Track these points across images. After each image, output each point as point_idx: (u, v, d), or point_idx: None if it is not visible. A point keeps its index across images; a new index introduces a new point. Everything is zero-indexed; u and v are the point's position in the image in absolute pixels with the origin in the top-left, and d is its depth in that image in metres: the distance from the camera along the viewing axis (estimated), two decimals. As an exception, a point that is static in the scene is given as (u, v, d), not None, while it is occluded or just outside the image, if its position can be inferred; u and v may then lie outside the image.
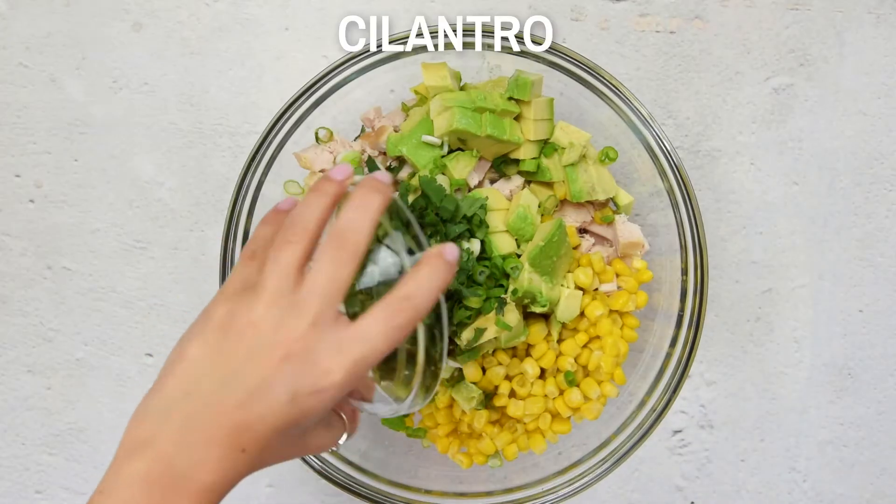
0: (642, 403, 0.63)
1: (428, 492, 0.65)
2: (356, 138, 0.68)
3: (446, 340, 0.45)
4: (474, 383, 0.63)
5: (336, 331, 0.39)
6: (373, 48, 0.61)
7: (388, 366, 0.47)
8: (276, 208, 0.48)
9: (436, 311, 0.43)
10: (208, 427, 0.38)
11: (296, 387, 0.38)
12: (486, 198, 0.61)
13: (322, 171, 0.65)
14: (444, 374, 0.62)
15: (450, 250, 0.42)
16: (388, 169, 0.64)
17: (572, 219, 0.65)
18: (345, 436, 0.47)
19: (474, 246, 0.60)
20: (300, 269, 0.41)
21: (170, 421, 0.38)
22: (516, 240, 0.62)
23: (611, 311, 0.65)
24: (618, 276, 0.65)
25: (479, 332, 0.59)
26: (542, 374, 0.64)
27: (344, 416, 0.48)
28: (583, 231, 0.66)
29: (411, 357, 0.45)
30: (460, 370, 0.63)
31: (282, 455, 0.43)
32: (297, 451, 0.44)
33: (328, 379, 0.39)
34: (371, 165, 0.64)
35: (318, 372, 0.39)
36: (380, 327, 0.39)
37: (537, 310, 0.61)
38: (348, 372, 0.39)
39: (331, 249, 0.40)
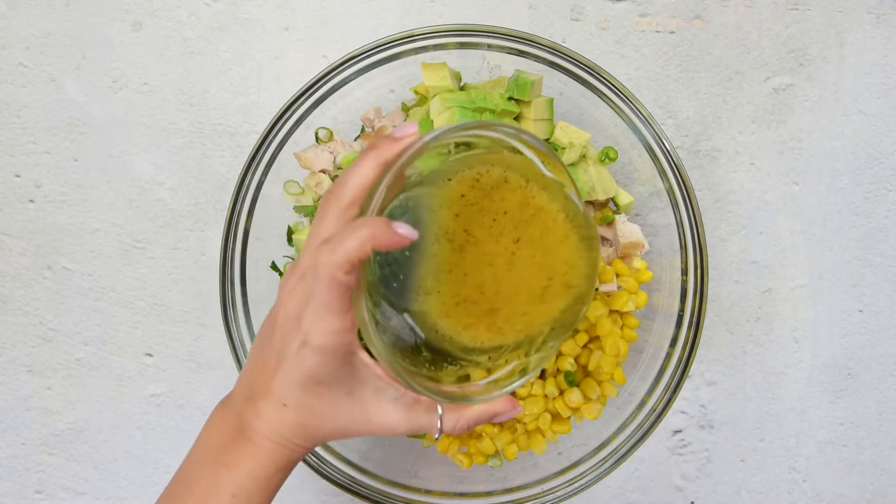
0: (642, 403, 0.63)
1: (428, 492, 0.65)
2: (356, 138, 0.68)
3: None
4: (474, 383, 0.63)
5: (313, 282, 0.41)
6: (373, 48, 0.61)
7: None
8: (391, 135, 0.44)
9: None
10: (258, 384, 0.44)
11: (292, 345, 0.41)
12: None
13: (323, 171, 0.65)
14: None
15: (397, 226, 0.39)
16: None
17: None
18: (437, 423, 0.45)
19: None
20: None
21: (241, 379, 0.46)
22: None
23: (611, 311, 0.65)
24: (618, 276, 0.65)
25: (479, 332, 0.59)
26: (542, 374, 0.64)
27: (439, 408, 0.45)
28: (583, 231, 0.66)
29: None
30: (460, 370, 0.63)
31: (337, 422, 0.44)
32: (355, 420, 0.44)
33: (302, 330, 0.41)
34: None
35: (298, 326, 0.41)
36: (316, 278, 0.40)
37: (537, 310, 0.61)
38: (313, 322, 0.40)
39: (321, 206, 0.43)
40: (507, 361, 0.45)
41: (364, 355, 0.43)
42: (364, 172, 0.42)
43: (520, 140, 0.41)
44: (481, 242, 0.41)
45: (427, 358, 0.44)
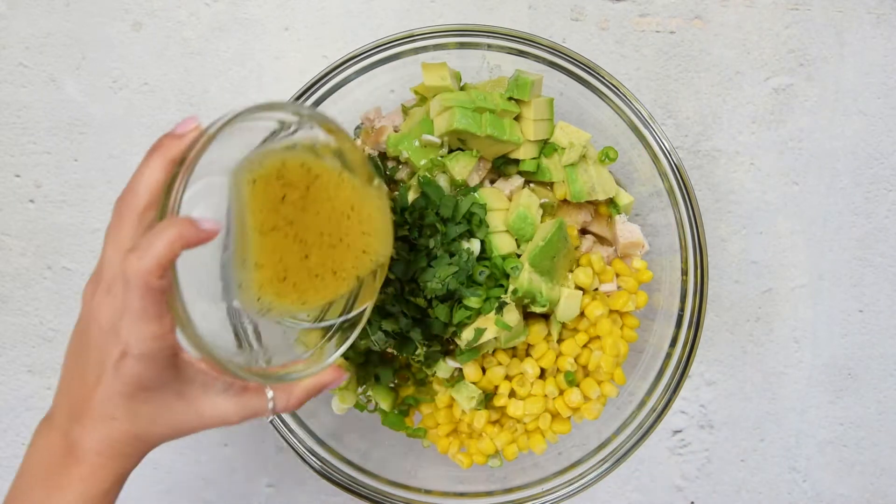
0: (642, 403, 0.63)
1: (428, 492, 0.65)
2: (356, 138, 0.68)
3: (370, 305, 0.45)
4: (474, 383, 0.63)
5: (112, 288, 0.41)
6: (373, 48, 0.61)
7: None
8: (173, 132, 0.44)
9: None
10: (80, 400, 0.43)
11: (110, 357, 0.41)
12: (482, 197, 0.61)
13: None
14: (442, 371, 0.62)
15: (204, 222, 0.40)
16: (388, 170, 0.64)
17: (572, 219, 0.65)
18: (269, 404, 0.46)
19: (474, 246, 0.60)
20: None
21: (60, 397, 0.44)
22: (516, 240, 0.62)
23: (611, 311, 0.65)
24: (618, 276, 0.65)
25: (479, 332, 0.59)
26: (542, 374, 0.64)
27: (269, 391, 0.46)
28: (583, 231, 0.66)
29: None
30: (460, 370, 0.63)
31: (170, 424, 0.44)
32: (188, 420, 0.44)
33: (121, 341, 0.40)
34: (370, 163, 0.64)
35: (115, 337, 0.41)
36: (127, 287, 0.39)
37: (537, 310, 0.61)
38: (130, 331, 0.40)
39: (114, 213, 0.42)
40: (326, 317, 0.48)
41: (186, 354, 0.44)
42: (153, 174, 0.42)
43: (297, 114, 0.44)
44: (281, 217, 0.44)
45: (254, 338, 0.46)
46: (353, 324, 0.49)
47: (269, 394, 0.46)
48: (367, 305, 0.49)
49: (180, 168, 0.39)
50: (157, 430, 0.44)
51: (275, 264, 0.44)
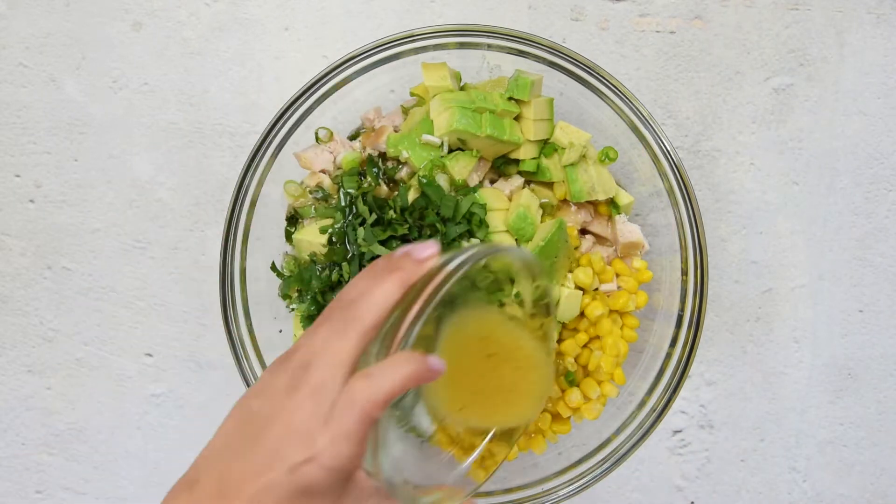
0: (642, 403, 0.63)
1: (428, 492, 0.65)
2: (356, 138, 0.68)
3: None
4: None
5: (331, 403, 0.41)
6: (373, 48, 0.61)
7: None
8: (390, 256, 0.45)
9: None
10: (237, 481, 0.41)
11: (291, 457, 0.41)
12: (482, 197, 0.61)
13: (323, 171, 0.65)
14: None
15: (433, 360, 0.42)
16: (388, 170, 0.64)
17: (572, 219, 0.65)
18: None
19: (474, 246, 0.60)
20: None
21: (210, 470, 0.43)
22: (516, 240, 0.61)
23: (611, 311, 0.65)
24: (618, 276, 0.65)
25: (480, 332, 0.59)
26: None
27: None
28: (583, 231, 0.66)
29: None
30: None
31: None
32: None
33: (313, 449, 0.40)
34: (370, 163, 0.64)
35: (307, 442, 0.40)
36: (348, 408, 0.40)
37: (537, 310, 0.61)
38: (331, 445, 0.40)
39: (341, 321, 0.42)
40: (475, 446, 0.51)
41: (360, 473, 0.44)
42: (390, 295, 0.42)
43: (523, 264, 0.47)
44: (478, 366, 0.48)
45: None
46: (486, 467, 0.52)
47: None
48: (501, 455, 0.52)
49: (422, 300, 0.40)
50: None
51: (461, 395, 0.47)
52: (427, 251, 0.44)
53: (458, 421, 0.49)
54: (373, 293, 0.43)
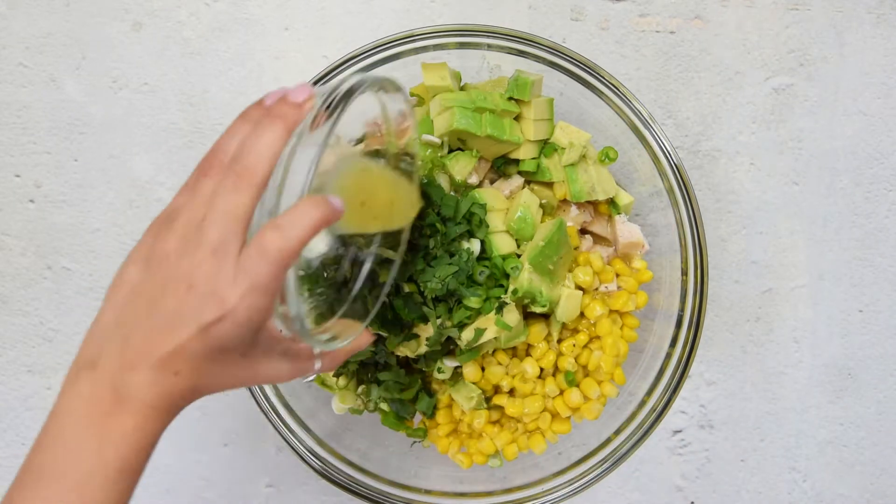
0: (642, 403, 0.63)
1: (428, 492, 0.65)
2: (357, 142, 0.68)
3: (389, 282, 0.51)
4: (474, 383, 0.63)
5: (234, 258, 0.40)
6: (373, 48, 0.61)
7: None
8: (261, 102, 0.45)
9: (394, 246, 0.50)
10: (140, 351, 0.41)
11: (200, 317, 0.40)
12: (482, 197, 0.61)
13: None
14: (443, 372, 0.63)
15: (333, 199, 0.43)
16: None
17: (572, 219, 0.65)
18: (317, 365, 0.48)
19: (474, 246, 0.60)
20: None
21: (109, 345, 0.42)
22: (516, 240, 0.62)
23: (611, 311, 0.65)
24: (618, 276, 0.65)
25: (479, 332, 0.59)
26: (542, 373, 0.64)
27: (317, 353, 0.48)
28: (583, 231, 0.66)
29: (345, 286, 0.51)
30: (460, 370, 0.63)
31: (227, 380, 0.44)
32: (245, 377, 0.45)
33: (225, 306, 0.40)
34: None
35: (217, 300, 0.40)
36: (262, 261, 0.40)
37: (537, 310, 0.61)
38: (244, 299, 0.40)
39: (230, 177, 0.42)
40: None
41: (269, 322, 0.44)
42: (276, 144, 0.42)
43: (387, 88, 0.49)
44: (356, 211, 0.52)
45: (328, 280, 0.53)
46: (377, 295, 0.55)
47: (318, 359, 0.49)
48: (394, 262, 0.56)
49: (313, 144, 0.41)
50: (213, 387, 0.44)
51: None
52: (303, 93, 0.44)
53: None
54: (258, 142, 0.42)
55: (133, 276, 0.44)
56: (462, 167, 0.61)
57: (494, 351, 0.63)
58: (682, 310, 0.63)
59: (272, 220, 0.40)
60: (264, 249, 0.39)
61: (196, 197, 0.42)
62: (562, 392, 0.64)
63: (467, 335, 0.59)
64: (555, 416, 0.65)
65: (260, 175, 0.41)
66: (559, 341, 0.64)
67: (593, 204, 0.66)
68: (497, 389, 0.65)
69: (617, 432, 0.64)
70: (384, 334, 0.60)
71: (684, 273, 0.62)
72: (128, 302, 0.43)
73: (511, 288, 0.60)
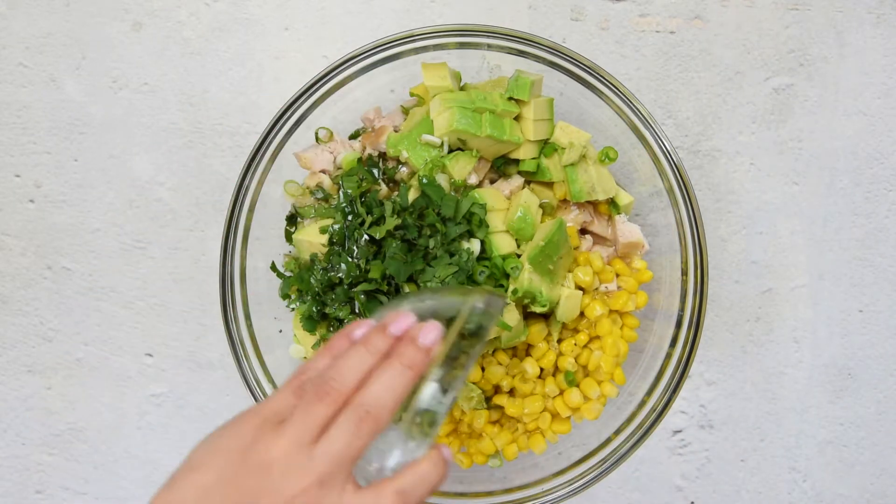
0: (642, 403, 0.63)
1: (428, 492, 0.65)
2: (356, 138, 0.68)
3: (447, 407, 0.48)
4: (474, 383, 0.63)
5: (339, 495, 0.41)
6: (373, 48, 0.61)
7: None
8: (348, 334, 0.46)
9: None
10: None
11: None
12: (482, 197, 0.61)
13: (323, 171, 0.65)
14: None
15: (446, 450, 0.44)
16: (388, 169, 0.64)
17: (572, 219, 0.65)
18: None
19: (474, 246, 0.60)
20: (325, 427, 0.42)
21: None
22: (516, 240, 0.62)
23: (611, 311, 0.65)
24: (618, 276, 0.65)
25: (479, 332, 0.59)
26: (542, 373, 0.64)
27: None
28: (583, 231, 0.66)
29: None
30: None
31: None
32: None
33: None
34: (370, 163, 0.64)
35: None
36: None
37: (537, 310, 0.61)
38: None
39: (353, 419, 0.42)
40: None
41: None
42: (402, 394, 0.43)
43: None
44: None
45: None
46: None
47: None
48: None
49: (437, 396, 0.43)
50: None
51: None
52: (431, 336, 0.45)
53: None
54: (388, 392, 0.43)
55: (219, 470, 0.41)
56: (462, 167, 0.61)
57: (494, 351, 0.63)
58: (682, 310, 0.63)
59: (397, 479, 0.42)
60: (380, 498, 0.41)
61: (308, 416, 0.42)
62: (562, 392, 0.64)
63: (467, 335, 0.59)
64: (555, 416, 0.65)
65: (383, 424, 0.42)
66: (559, 341, 0.64)
67: (593, 204, 0.66)
68: (497, 389, 0.65)
69: (617, 432, 0.64)
70: None
71: (684, 273, 0.62)
72: (211, 493, 0.40)
73: (511, 288, 0.60)
